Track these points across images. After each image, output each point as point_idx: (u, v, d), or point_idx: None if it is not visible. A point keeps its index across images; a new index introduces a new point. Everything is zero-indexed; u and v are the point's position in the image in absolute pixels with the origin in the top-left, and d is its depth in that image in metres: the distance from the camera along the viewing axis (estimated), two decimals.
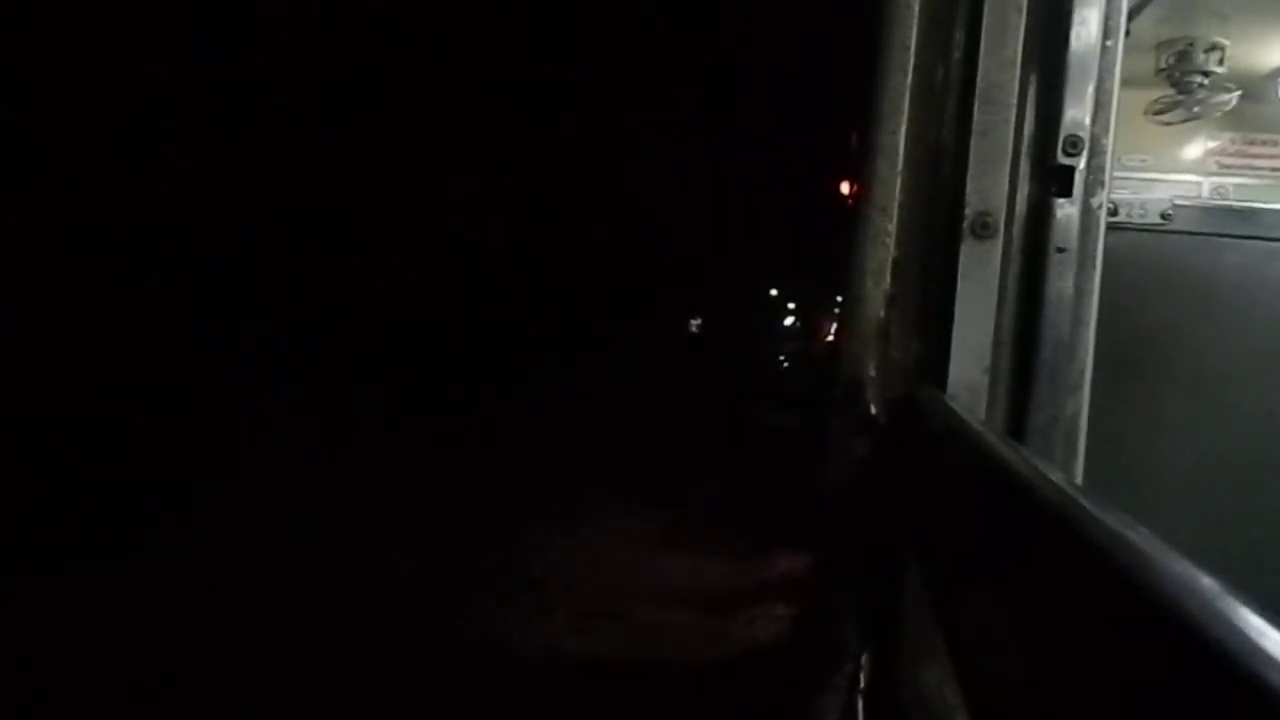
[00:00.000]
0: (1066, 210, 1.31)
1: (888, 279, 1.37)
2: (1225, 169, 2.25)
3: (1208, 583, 0.40)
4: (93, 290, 10.10)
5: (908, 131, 1.35)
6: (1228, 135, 2.26)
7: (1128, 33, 1.37)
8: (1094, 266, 1.32)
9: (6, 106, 8.98)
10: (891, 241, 1.36)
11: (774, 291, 52.96)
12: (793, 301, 53.40)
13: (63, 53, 9.88)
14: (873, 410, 1.36)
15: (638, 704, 3.83)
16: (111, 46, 10.26)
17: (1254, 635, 0.34)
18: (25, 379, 8.11)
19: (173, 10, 10.98)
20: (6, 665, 3.74)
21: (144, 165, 10.83)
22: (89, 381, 8.75)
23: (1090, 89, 1.29)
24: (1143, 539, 0.47)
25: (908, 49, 1.34)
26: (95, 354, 9.33)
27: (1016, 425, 1.33)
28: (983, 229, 1.30)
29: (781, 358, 32.92)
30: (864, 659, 1.46)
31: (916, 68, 1.35)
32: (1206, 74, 2.08)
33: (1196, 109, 2.12)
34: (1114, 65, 1.31)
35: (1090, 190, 1.31)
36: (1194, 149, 2.27)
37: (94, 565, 4.90)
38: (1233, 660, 0.33)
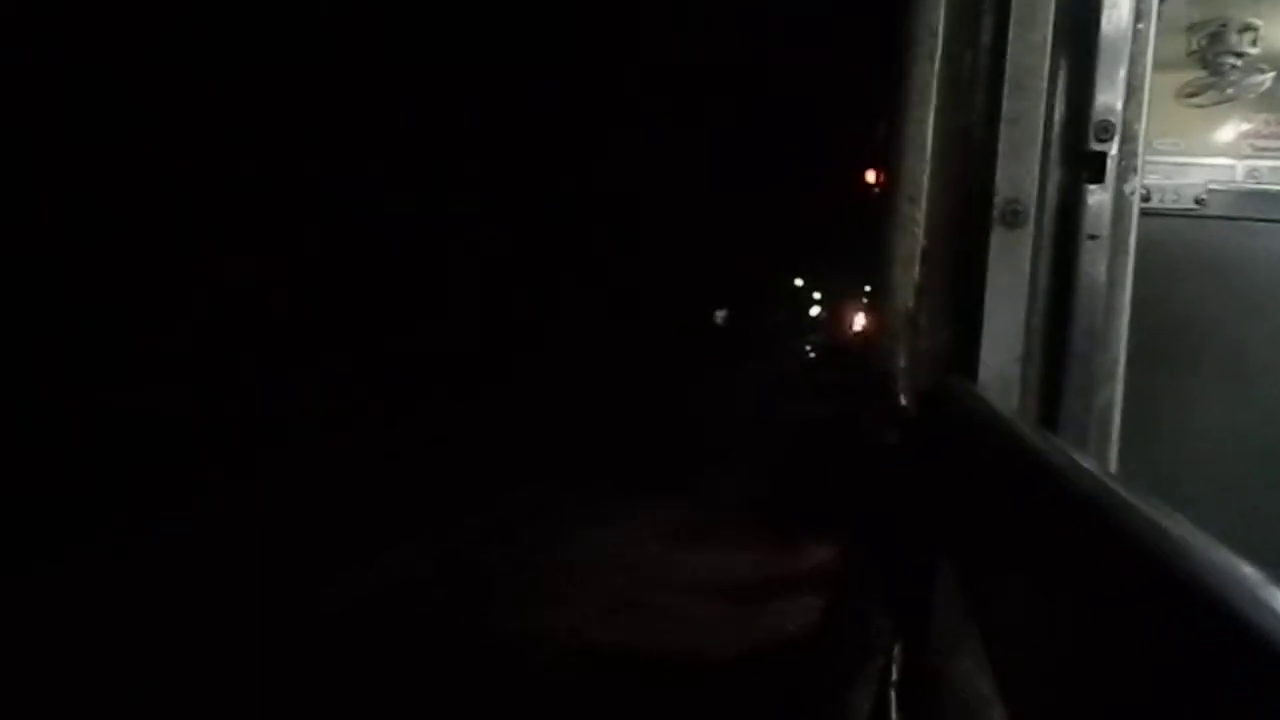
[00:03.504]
0: (1098, 197, 1.29)
1: (917, 268, 1.36)
2: (1260, 151, 2.21)
3: (1249, 572, 0.39)
4: (88, 285, 10.24)
5: (936, 119, 1.34)
6: (1262, 117, 2.21)
7: (1159, 15, 1.35)
8: (1127, 253, 1.31)
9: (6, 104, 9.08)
10: (920, 230, 1.36)
11: (799, 282, 52.86)
12: (819, 292, 53.23)
13: (59, 51, 9.95)
14: (903, 401, 1.35)
15: (667, 698, 3.84)
16: (110, 44, 10.33)
17: None
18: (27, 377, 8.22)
19: (172, 8, 11.03)
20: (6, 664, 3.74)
21: (144, 163, 10.93)
22: (100, 375, 8.86)
23: (1122, 73, 1.28)
24: (1181, 528, 0.46)
25: (935, 35, 1.33)
26: (92, 347, 9.44)
27: (1049, 415, 1.32)
28: (1013, 217, 1.29)
29: (809, 348, 32.83)
30: (895, 652, 1.45)
31: (944, 54, 1.33)
32: (1240, 55, 2.04)
33: (1230, 91, 2.08)
34: (1146, 48, 1.29)
35: (1122, 176, 1.29)
36: (1227, 132, 2.22)
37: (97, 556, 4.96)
38: (1276, 650, 0.33)
